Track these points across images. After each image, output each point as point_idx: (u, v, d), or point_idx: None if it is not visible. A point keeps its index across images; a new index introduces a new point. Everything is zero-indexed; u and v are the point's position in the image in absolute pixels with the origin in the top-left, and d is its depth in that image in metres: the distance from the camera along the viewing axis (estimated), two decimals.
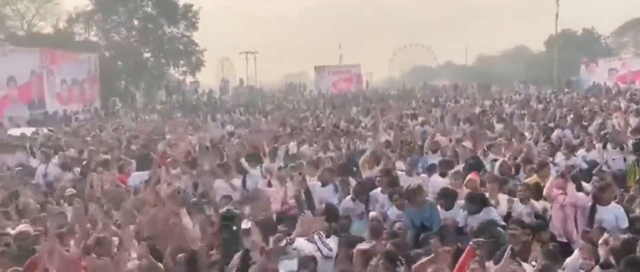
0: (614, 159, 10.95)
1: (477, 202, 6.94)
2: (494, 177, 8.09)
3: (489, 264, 5.14)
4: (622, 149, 11.17)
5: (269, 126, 17.12)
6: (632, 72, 37.02)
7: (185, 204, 7.64)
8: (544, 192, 7.40)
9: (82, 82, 31.26)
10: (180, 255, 5.18)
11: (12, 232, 6.56)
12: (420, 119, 16.70)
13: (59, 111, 26.60)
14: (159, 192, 8.30)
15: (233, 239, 4.41)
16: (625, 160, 10.86)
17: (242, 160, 9.95)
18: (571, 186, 7.13)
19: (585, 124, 14.74)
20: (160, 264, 5.42)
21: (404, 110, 20.28)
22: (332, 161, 10.18)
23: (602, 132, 12.59)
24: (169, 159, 10.45)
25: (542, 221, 6.89)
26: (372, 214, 7.27)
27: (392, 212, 7.33)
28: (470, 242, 5.27)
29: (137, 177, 9.82)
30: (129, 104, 33.90)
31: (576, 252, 5.70)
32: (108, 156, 11.47)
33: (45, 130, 17.96)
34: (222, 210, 4.59)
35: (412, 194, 7.02)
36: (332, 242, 6.38)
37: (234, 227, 4.41)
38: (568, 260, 5.66)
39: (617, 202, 7.01)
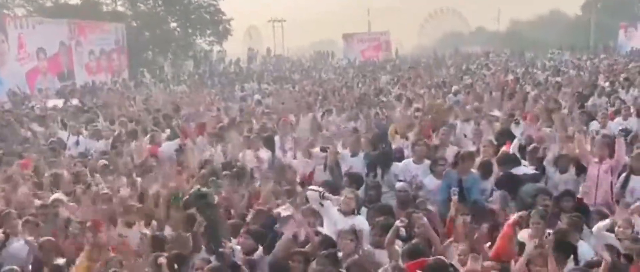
0: None
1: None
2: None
3: None
4: None
5: (297, 96, 17.00)
6: None
7: (214, 174, 7.70)
8: (579, 152, 7.28)
9: (110, 53, 31.41)
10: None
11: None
12: (454, 87, 16.40)
13: (88, 82, 26.89)
14: (188, 162, 8.41)
15: (215, 216, 4.38)
16: None
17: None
18: (622, 145, 6.99)
19: (621, 91, 14.31)
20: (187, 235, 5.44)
21: (435, 79, 19.92)
22: (357, 130, 10.07)
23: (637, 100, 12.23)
24: (197, 129, 10.54)
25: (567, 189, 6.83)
26: (399, 184, 7.21)
27: (430, 181, 7.29)
28: (515, 218, 5.26)
29: (169, 147, 9.86)
30: (157, 74, 34.12)
31: (608, 220, 5.60)
32: (138, 127, 11.56)
33: (75, 101, 18.20)
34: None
35: (462, 159, 7.03)
36: (362, 214, 6.37)
37: (210, 204, 4.37)
38: (597, 225, 5.57)
39: None
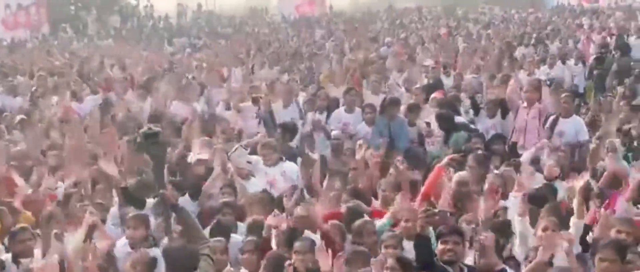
0: (574, 75, 11.21)
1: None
2: None
3: None
4: (583, 64, 11.46)
5: (229, 49, 16.62)
6: None
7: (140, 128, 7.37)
8: (507, 94, 7.49)
9: (28, 7, 29.41)
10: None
11: None
12: (387, 39, 16.48)
13: (5, 38, 25.13)
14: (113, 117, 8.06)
15: (163, 155, 4.26)
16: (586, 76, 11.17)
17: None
18: (546, 92, 7.24)
19: (547, 41, 14.84)
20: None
21: (369, 34, 19.92)
22: (289, 83, 9.97)
23: (562, 50, 12.74)
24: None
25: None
26: (335, 132, 7.31)
27: (362, 128, 7.44)
28: (446, 160, 5.34)
29: (92, 101, 9.48)
30: (80, 30, 32.35)
31: (526, 154, 5.90)
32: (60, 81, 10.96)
33: None
34: (142, 130, 4.44)
35: (388, 105, 7.22)
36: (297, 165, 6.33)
37: (160, 144, 4.23)
38: (524, 157, 5.86)
39: None
